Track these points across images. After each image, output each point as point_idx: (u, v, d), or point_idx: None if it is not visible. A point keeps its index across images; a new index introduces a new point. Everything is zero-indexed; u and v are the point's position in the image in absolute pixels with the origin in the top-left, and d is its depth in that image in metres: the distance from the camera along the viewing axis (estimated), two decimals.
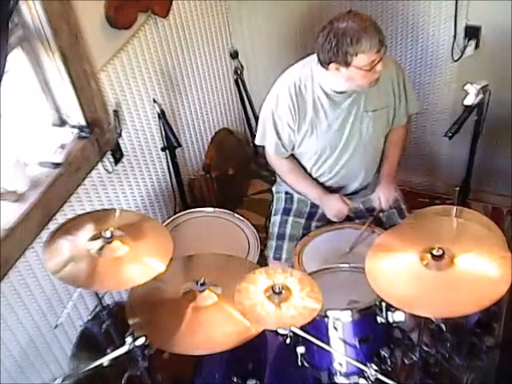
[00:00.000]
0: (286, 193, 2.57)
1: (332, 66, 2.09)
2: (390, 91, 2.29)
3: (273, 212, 2.57)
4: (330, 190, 2.45)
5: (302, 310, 1.77)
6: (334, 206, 2.36)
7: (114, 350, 1.81)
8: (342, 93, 2.21)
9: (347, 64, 2.06)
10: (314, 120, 2.26)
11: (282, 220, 2.50)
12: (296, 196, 2.54)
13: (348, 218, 2.52)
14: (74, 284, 1.90)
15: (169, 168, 2.79)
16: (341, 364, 1.95)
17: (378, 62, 2.07)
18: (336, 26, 2.03)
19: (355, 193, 2.49)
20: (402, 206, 2.50)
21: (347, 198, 2.41)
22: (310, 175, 2.43)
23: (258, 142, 2.43)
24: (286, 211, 2.52)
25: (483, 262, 1.76)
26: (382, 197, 2.42)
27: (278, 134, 2.32)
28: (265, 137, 2.37)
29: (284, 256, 2.42)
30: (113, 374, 1.96)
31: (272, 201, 2.63)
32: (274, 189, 2.65)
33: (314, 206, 2.52)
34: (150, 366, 1.90)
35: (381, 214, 2.47)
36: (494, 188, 3.15)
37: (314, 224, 2.51)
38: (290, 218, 2.50)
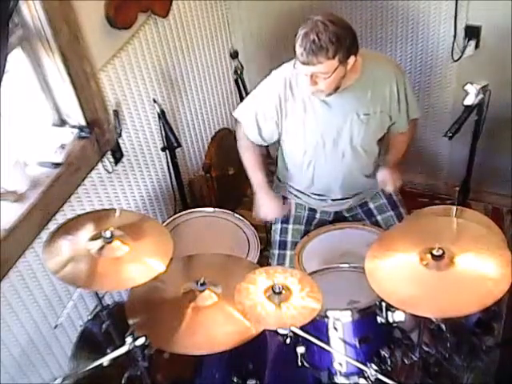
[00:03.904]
0: (284, 198, 2.55)
1: None
2: (387, 96, 2.24)
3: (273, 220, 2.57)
4: (321, 193, 2.43)
5: (301, 309, 1.77)
6: (266, 205, 2.37)
7: (114, 350, 1.80)
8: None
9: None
10: (302, 116, 2.24)
11: (283, 228, 2.50)
12: (293, 201, 2.53)
13: (345, 220, 2.52)
14: (74, 284, 1.90)
15: (169, 168, 2.79)
16: (341, 364, 1.95)
17: (309, 77, 2.04)
18: (314, 17, 2.01)
19: (349, 197, 2.47)
20: (401, 210, 2.48)
21: (339, 201, 2.43)
22: (300, 175, 2.41)
23: (236, 114, 2.41)
24: (285, 219, 2.51)
25: (483, 262, 1.76)
26: (388, 178, 2.36)
27: (259, 128, 2.31)
28: (244, 118, 2.36)
29: (287, 264, 2.41)
30: (113, 374, 1.96)
31: None
32: None
33: (311, 210, 2.52)
34: (150, 366, 1.90)
35: (378, 218, 2.47)
36: (494, 188, 3.15)
37: (312, 229, 2.50)
38: (290, 226, 2.50)
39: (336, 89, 2.12)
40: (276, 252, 2.47)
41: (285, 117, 2.26)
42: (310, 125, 2.25)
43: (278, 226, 2.51)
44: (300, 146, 2.32)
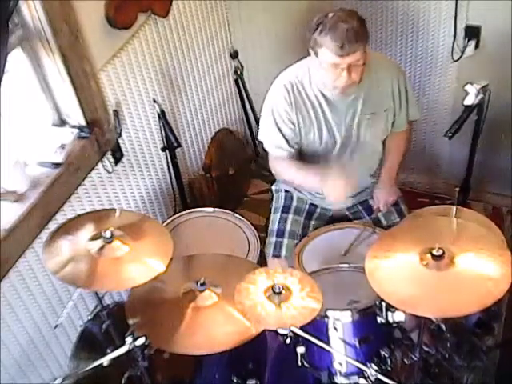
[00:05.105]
0: (286, 191, 2.56)
1: (310, 50, 2.11)
2: (390, 95, 2.27)
3: (272, 210, 2.56)
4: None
5: (302, 309, 1.77)
6: (333, 188, 2.19)
7: (114, 350, 1.80)
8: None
9: (316, 53, 2.08)
10: (313, 120, 2.25)
11: (282, 217, 2.49)
12: (295, 194, 2.54)
13: (347, 219, 2.52)
14: (74, 284, 1.90)
15: (169, 168, 2.79)
16: (341, 364, 1.95)
17: (345, 70, 2.04)
18: (328, 14, 2.04)
19: (352, 196, 2.47)
20: (402, 206, 2.49)
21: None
22: None
23: (266, 147, 2.38)
24: (286, 209, 2.51)
25: (483, 262, 1.76)
26: (381, 198, 2.42)
27: (280, 130, 2.28)
28: (267, 137, 2.35)
29: (283, 253, 2.40)
30: (113, 374, 1.95)
31: (272, 199, 2.62)
32: (273, 187, 2.64)
33: (312, 204, 2.52)
34: (150, 366, 1.90)
35: (379, 214, 2.47)
36: (494, 188, 3.15)
37: (312, 223, 2.51)
38: (290, 216, 2.49)
39: (361, 78, 2.13)
40: (273, 240, 2.44)
41: (297, 117, 2.26)
42: (320, 128, 2.26)
43: (278, 215, 2.50)
44: (310, 148, 2.33)
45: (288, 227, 2.46)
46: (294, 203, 2.53)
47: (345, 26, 1.99)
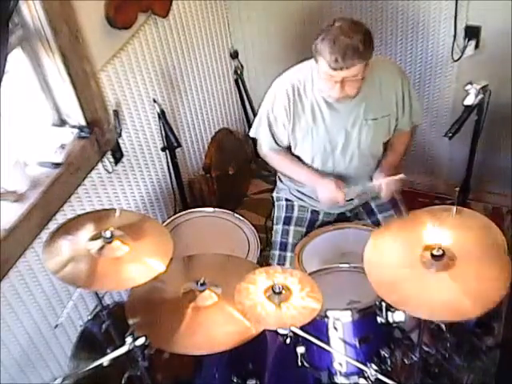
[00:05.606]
0: (287, 200, 2.56)
1: (313, 54, 2.09)
2: (393, 100, 2.25)
3: (274, 220, 2.56)
4: None
5: (302, 309, 1.77)
6: (328, 191, 2.27)
7: (114, 350, 1.80)
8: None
9: (316, 59, 2.06)
10: (311, 124, 2.24)
11: (284, 229, 2.49)
12: (296, 203, 2.53)
13: (347, 219, 2.52)
14: (74, 284, 1.90)
15: (169, 168, 2.79)
16: (341, 364, 1.95)
17: (339, 83, 2.03)
18: (335, 22, 2.02)
19: (354, 198, 2.48)
20: (402, 209, 2.48)
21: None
22: None
23: (252, 134, 2.44)
24: (287, 220, 2.51)
25: (483, 262, 1.76)
26: (385, 185, 2.29)
27: (272, 133, 2.32)
28: (259, 133, 2.38)
29: (287, 265, 2.40)
30: (113, 374, 1.95)
31: (273, 206, 2.61)
32: (274, 194, 2.63)
33: (314, 212, 2.52)
34: (150, 366, 1.90)
35: (380, 216, 2.47)
36: (494, 188, 3.15)
37: None
38: (292, 228, 2.49)
39: (358, 91, 2.12)
40: (277, 253, 2.46)
41: (294, 125, 2.26)
42: (320, 132, 2.26)
43: (280, 226, 2.51)
44: (309, 152, 2.32)
45: (290, 240, 2.46)
46: (296, 214, 2.52)
47: (345, 41, 1.95)
